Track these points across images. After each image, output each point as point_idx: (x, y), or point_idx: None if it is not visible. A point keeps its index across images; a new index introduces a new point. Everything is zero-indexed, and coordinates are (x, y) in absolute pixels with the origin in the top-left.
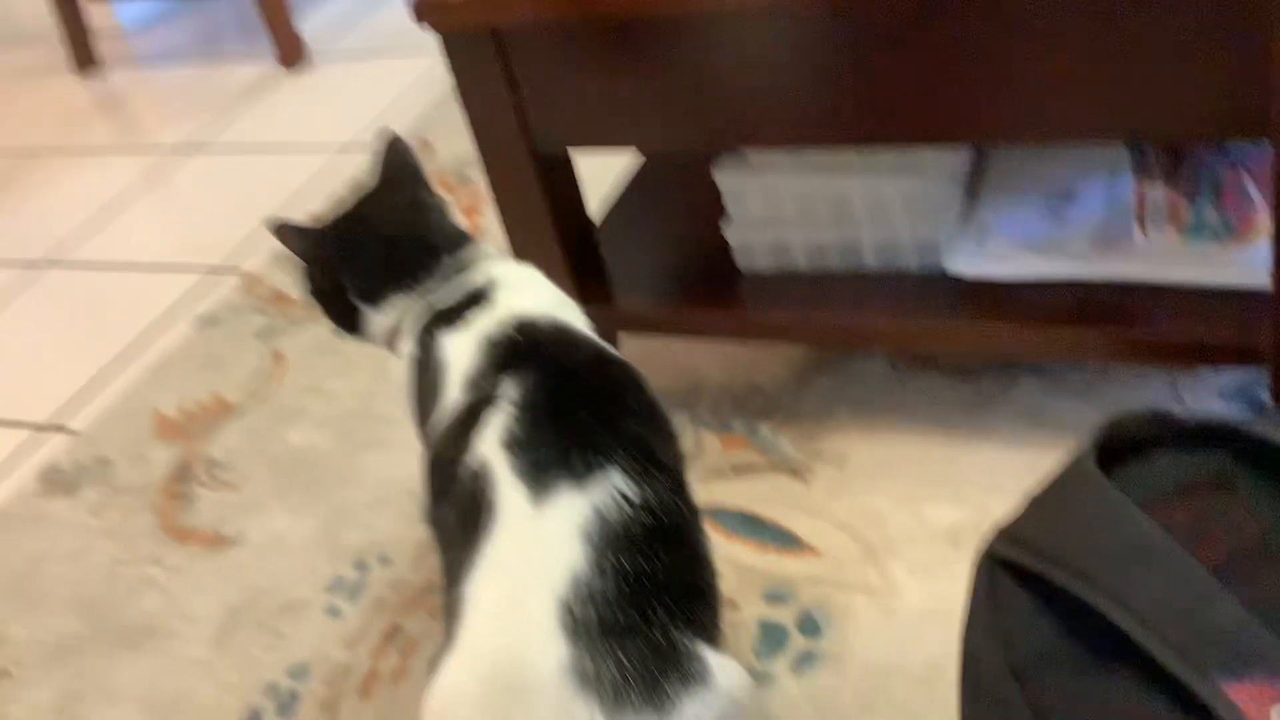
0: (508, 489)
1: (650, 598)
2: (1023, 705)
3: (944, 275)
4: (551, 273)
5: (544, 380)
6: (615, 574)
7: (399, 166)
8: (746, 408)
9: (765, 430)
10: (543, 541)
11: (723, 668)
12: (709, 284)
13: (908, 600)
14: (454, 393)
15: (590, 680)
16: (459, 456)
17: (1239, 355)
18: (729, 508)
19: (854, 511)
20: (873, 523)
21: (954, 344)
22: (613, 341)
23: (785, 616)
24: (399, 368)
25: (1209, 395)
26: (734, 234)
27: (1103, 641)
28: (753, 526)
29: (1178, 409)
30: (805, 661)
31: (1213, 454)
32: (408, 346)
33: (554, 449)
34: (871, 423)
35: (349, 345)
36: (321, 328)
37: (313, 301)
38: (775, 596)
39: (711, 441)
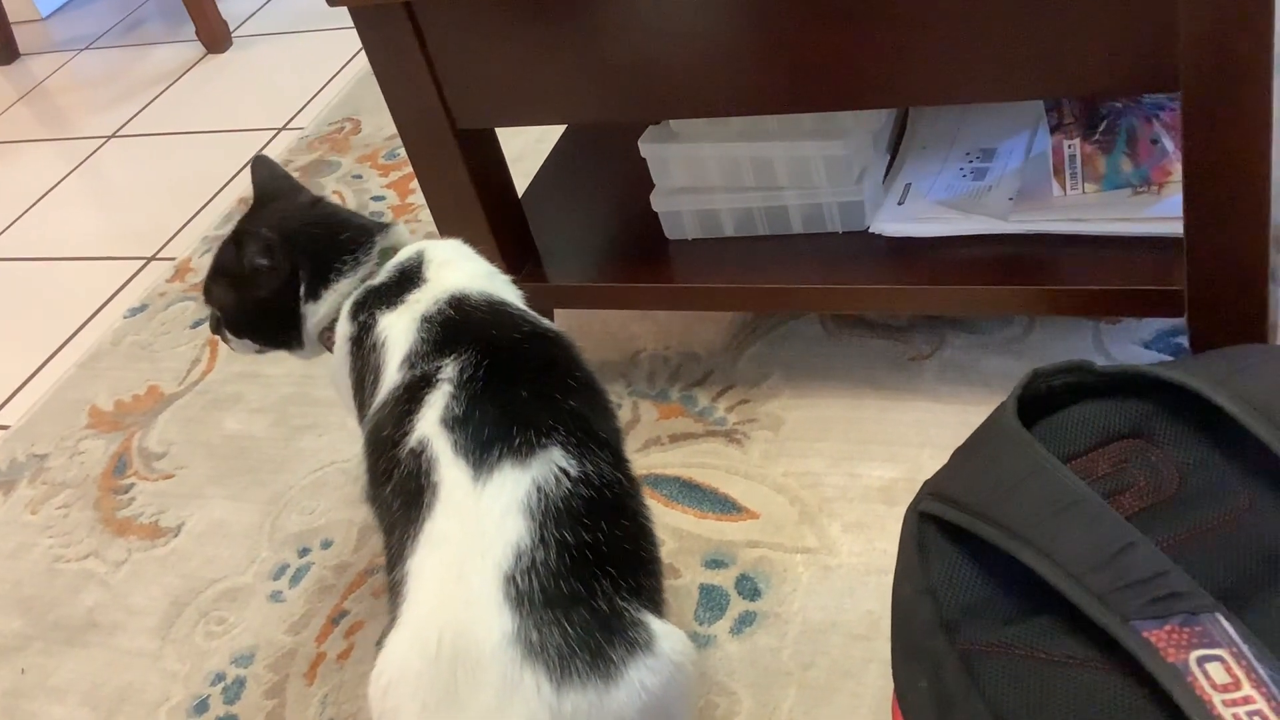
0: (449, 467)
1: (593, 568)
2: (952, 656)
3: (869, 236)
4: (480, 250)
5: (481, 358)
6: (557, 546)
7: (274, 180)
8: (682, 376)
9: (701, 397)
10: (484, 517)
11: (667, 635)
12: (638, 255)
13: (844, 559)
14: (392, 373)
15: (535, 650)
16: (399, 436)
17: (1158, 304)
18: (667, 475)
19: (790, 474)
20: (809, 484)
21: (881, 303)
22: (548, 316)
23: (725, 580)
24: (337, 350)
25: (1132, 345)
26: (660, 203)
27: (1028, 591)
28: (691, 493)
29: (1100, 360)
30: (745, 623)
31: (1133, 403)
32: (343, 328)
33: (494, 426)
34: (805, 385)
35: None
36: None
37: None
38: (715, 561)
39: (648, 410)
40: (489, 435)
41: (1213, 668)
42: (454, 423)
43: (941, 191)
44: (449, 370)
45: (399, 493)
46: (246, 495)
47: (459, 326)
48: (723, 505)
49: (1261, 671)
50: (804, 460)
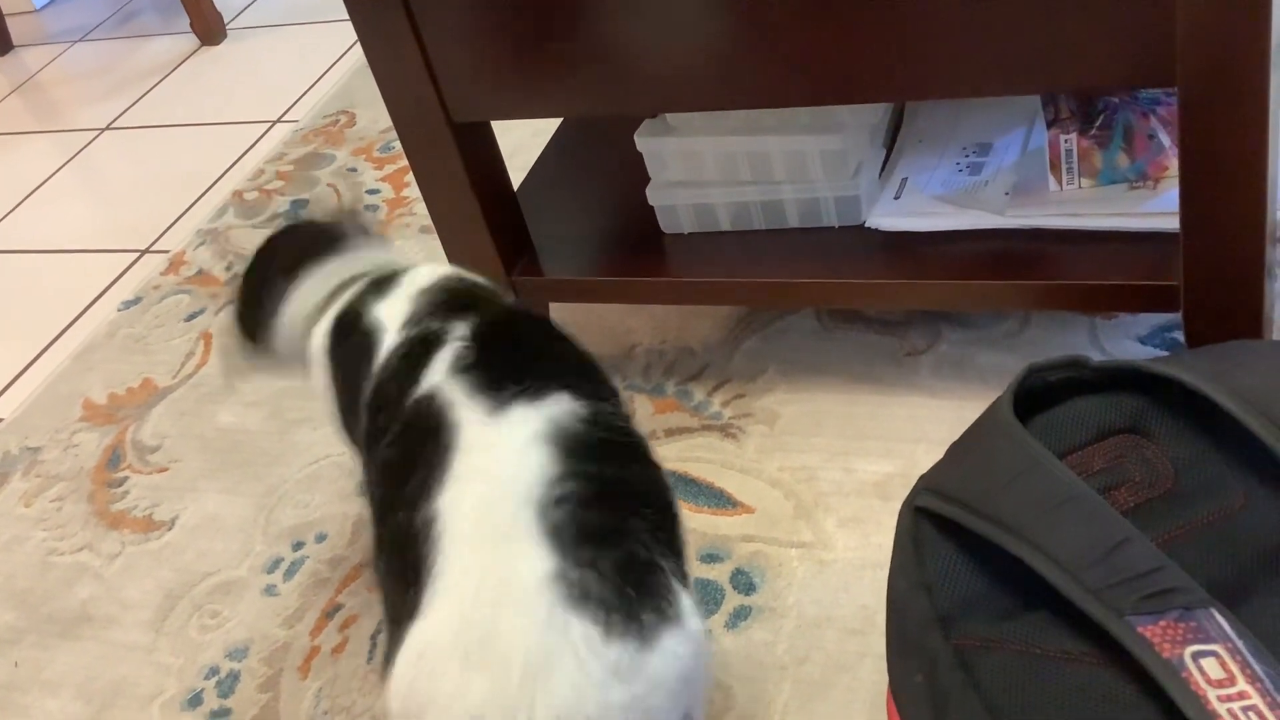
0: (464, 408)
1: (625, 510)
2: (947, 651)
3: (865, 230)
4: (476, 244)
5: (486, 320)
6: (585, 479)
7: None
8: (677, 370)
9: (697, 391)
10: (507, 449)
11: (694, 613)
12: (633, 249)
13: (839, 553)
14: (390, 339)
15: (577, 592)
16: (406, 387)
17: (1153, 299)
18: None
19: (785, 468)
20: (804, 479)
21: (876, 298)
22: (543, 310)
23: (720, 575)
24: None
25: (1127, 340)
26: (656, 197)
27: (1023, 587)
28: (686, 487)
29: (1096, 355)
30: (740, 617)
31: (1128, 398)
32: (319, 341)
33: (506, 371)
34: (800, 380)
35: None
36: None
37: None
38: (710, 555)
39: (643, 405)
40: (501, 377)
41: (1208, 663)
42: (466, 369)
43: (938, 186)
44: (459, 330)
45: (409, 446)
46: (241, 489)
47: (455, 298)
48: (718, 500)
49: (1256, 667)
50: (799, 455)
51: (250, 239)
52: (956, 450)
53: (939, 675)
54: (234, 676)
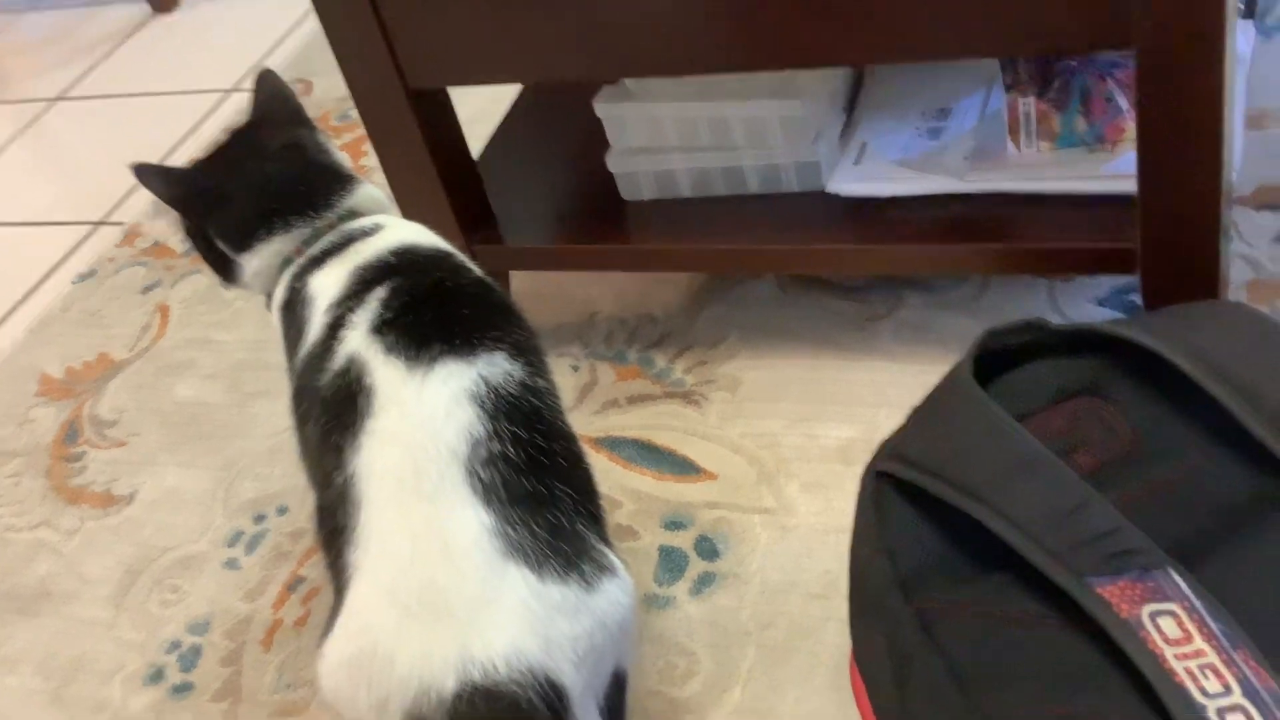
0: (383, 367)
1: (550, 477)
2: (909, 616)
3: (825, 196)
4: (435, 213)
5: (419, 280)
6: (514, 440)
7: (272, 103)
8: (640, 337)
9: (659, 359)
10: (430, 406)
11: (623, 570)
12: (594, 216)
13: (802, 519)
14: (318, 321)
15: (514, 544)
16: (323, 368)
17: (1111, 261)
18: (625, 437)
19: (748, 434)
20: (766, 444)
21: (837, 264)
22: (505, 279)
23: (684, 541)
24: (273, 319)
25: (1085, 303)
26: (616, 164)
27: (984, 550)
28: (650, 455)
29: (1055, 318)
30: (704, 583)
31: (1087, 360)
32: (278, 295)
33: (431, 328)
34: (763, 346)
35: (235, 295)
36: (205, 278)
37: (191, 249)
38: (674, 523)
39: (606, 372)
40: (426, 335)
41: (1165, 622)
42: (384, 326)
43: (897, 151)
44: (379, 292)
45: (328, 413)
46: (200, 462)
47: (396, 268)
48: (681, 467)
49: (1213, 626)
50: (762, 421)
51: None
52: (917, 415)
53: (901, 639)
54: (196, 651)
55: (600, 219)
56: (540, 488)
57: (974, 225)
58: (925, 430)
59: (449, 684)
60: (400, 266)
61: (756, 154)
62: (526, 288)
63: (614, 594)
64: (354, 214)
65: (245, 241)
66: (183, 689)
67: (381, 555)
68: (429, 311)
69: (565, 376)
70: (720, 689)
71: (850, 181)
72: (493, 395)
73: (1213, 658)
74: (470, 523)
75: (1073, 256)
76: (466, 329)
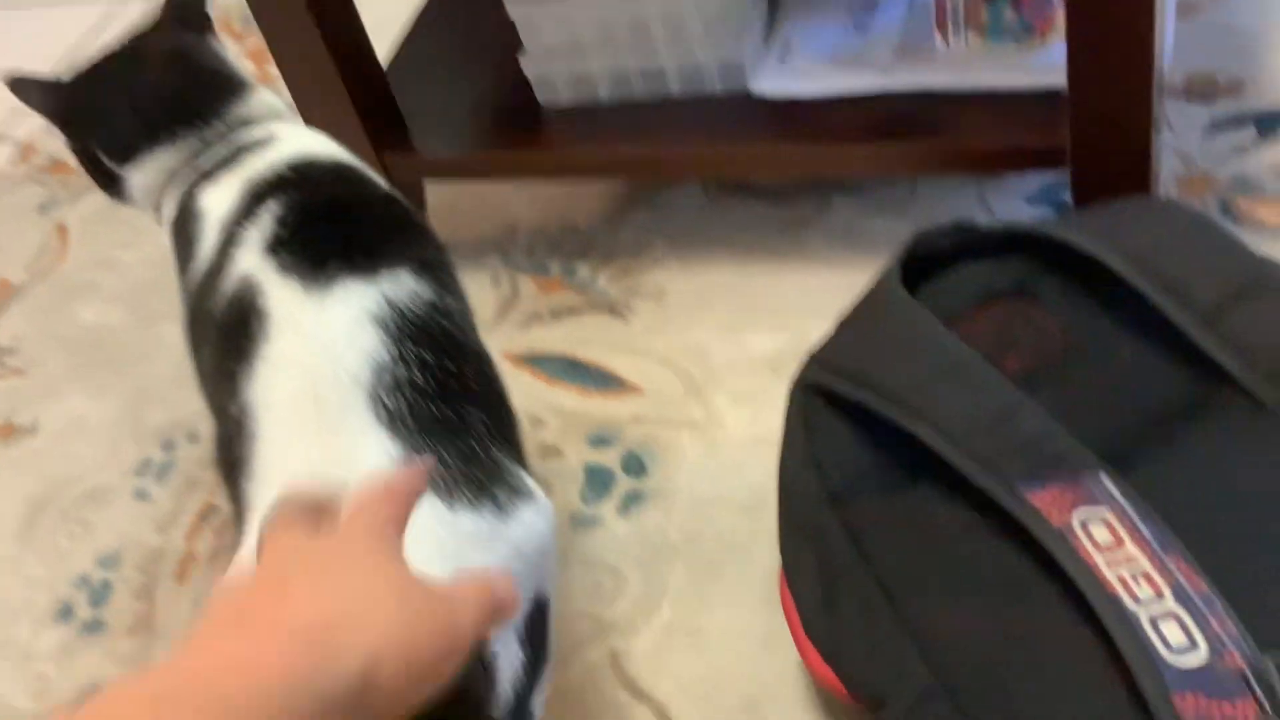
0: (277, 288)
1: (462, 402)
2: (838, 528)
3: (750, 96)
4: (341, 123)
5: (315, 196)
6: (420, 364)
7: (174, 7)
8: (562, 248)
9: (582, 270)
10: (329, 329)
11: (543, 495)
12: (511, 123)
13: (731, 431)
14: (210, 239)
15: None
16: (215, 293)
17: (1041, 158)
18: (549, 353)
19: (675, 346)
20: (694, 356)
21: (763, 166)
22: (419, 191)
23: (610, 459)
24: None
25: (1016, 201)
26: (531, 66)
27: (914, 459)
28: (574, 370)
29: (984, 218)
30: (631, 501)
31: (1016, 261)
32: (168, 211)
33: (329, 245)
34: (689, 254)
35: (138, 213)
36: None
37: (78, 163)
38: (599, 439)
39: (527, 286)
40: (323, 253)
41: (1096, 528)
42: (278, 245)
43: (823, 48)
44: (273, 207)
45: (221, 338)
46: (106, 389)
47: (291, 183)
48: (606, 381)
49: (1144, 529)
50: (689, 332)
51: None
52: (845, 322)
53: (830, 552)
54: (106, 586)
55: (517, 125)
56: (451, 413)
57: (903, 124)
58: (853, 338)
59: None
60: (296, 180)
61: (677, 53)
62: (443, 200)
63: (531, 521)
64: (247, 123)
65: (129, 156)
66: (94, 626)
67: (281, 485)
68: (326, 228)
69: (485, 291)
70: (649, 607)
71: (775, 80)
72: (398, 316)
73: (1145, 563)
74: (375, 454)
75: (1003, 154)
76: (367, 246)
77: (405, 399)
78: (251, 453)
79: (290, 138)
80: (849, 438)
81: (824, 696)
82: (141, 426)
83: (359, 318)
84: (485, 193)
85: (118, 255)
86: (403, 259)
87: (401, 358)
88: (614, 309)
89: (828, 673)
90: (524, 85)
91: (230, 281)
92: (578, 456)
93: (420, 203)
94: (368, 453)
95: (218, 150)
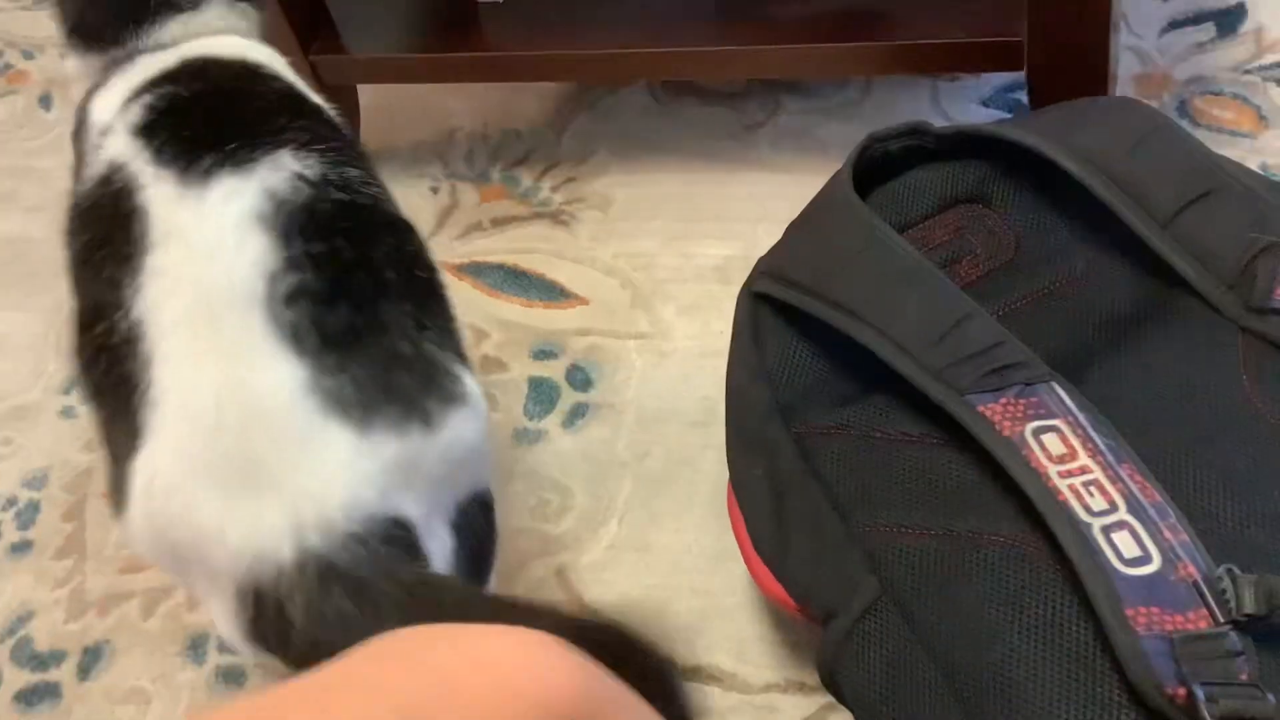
0: (153, 182)
1: (378, 297)
2: (787, 441)
3: None
4: (269, 23)
5: (191, 85)
6: (317, 266)
7: None
8: (503, 154)
9: (524, 177)
10: (214, 236)
11: (477, 390)
12: (447, 21)
13: (679, 343)
14: (93, 145)
15: (334, 398)
16: (89, 184)
17: (997, 57)
18: (490, 263)
19: (621, 255)
20: (640, 265)
21: (712, 68)
22: (352, 95)
23: (555, 372)
24: None
25: (970, 104)
26: None
27: (864, 370)
28: (516, 281)
29: (938, 121)
30: (577, 415)
31: (971, 165)
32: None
33: (201, 130)
34: (634, 160)
35: (57, 117)
36: (23, 98)
37: None
38: (544, 352)
39: (468, 193)
40: (195, 142)
41: (1048, 439)
42: (148, 130)
43: None
44: (147, 98)
45: (97, 236)
46: (28, 304)
47: (174, 77)
48: (550, 292)
49: (1097, 440)
50: (635, 240)
51: (27, 24)
52: (794, 230)
53: (779, 465)
54: (34, 506)
55: (454, 24)
56: (363, 314)
57: (854, 22)
58: (803, 246)
59: (285, 554)
60: (180, 75)
61: None
62: (378, 103)
63: (460, 427)
64: (181, 39)
65: (69, 48)
66: (22, 547)
67: (183, 421)
68: (197, 112)
69: (424, 199)
70: (596, 523)
71: None
72: (283, 210)
73: (1097, 474)
74: (280, 380)
75: (958, 52)
76: (239, 129)
77: (306, 309)
78: (148, 377)
79: (204, 43)
80: (800, 349)
81: (773, 610)
82: (66, 342)
83: (242, 219)
84: (422, 95)
85: (37, 163)
86: (279, 137)
87: (294, 260)
88: (557, 217)
89: (776, 587)
90: None
91: (100, 167)
92: (521, 369)
93: (353, 107)
94: (271, 380)
95: (127, 61)
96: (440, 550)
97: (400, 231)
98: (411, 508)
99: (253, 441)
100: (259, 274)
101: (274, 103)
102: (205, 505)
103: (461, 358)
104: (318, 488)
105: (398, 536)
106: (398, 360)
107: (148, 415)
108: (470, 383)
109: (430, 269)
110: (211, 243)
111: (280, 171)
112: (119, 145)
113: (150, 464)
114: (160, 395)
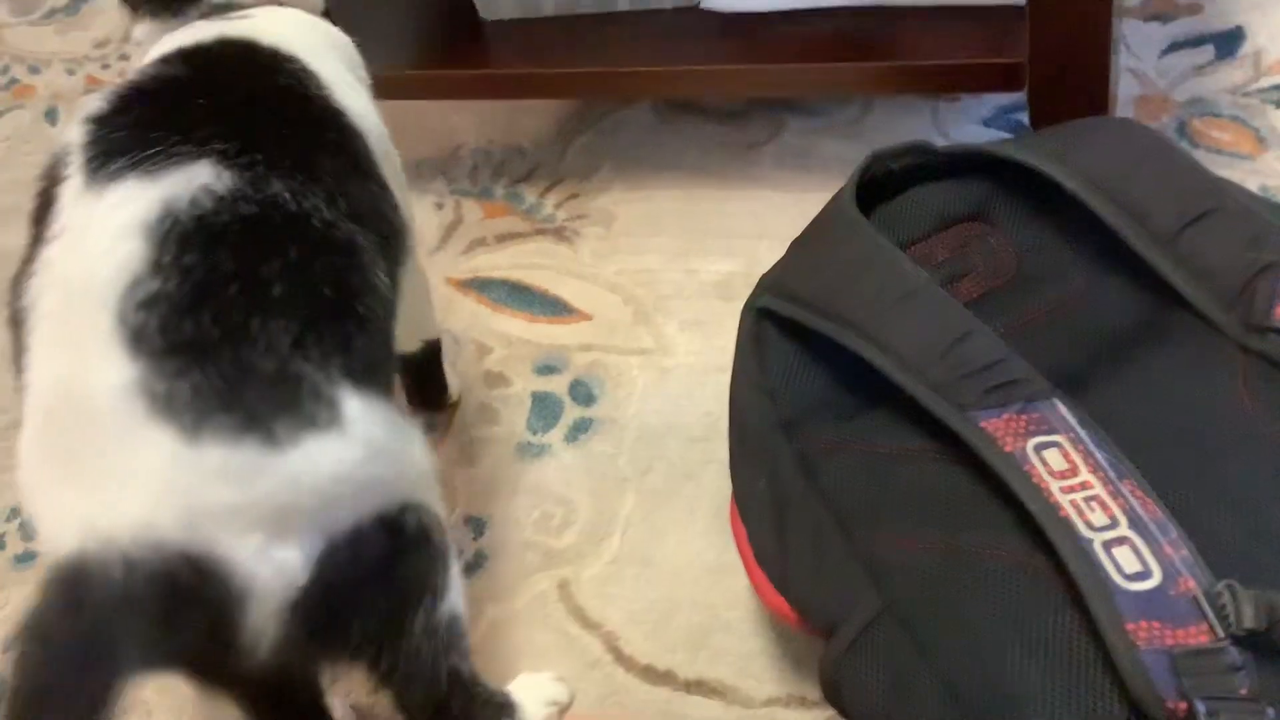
0: (73, 177)
1: (253, 311)
2: (790, 456)
3: (700, 12)
4: None
5: (160, 73)
6: (182, 275)
7: None
8: (507, 171)
9: (528, 193)
10: (94, 237)
11: (370, 418)
12: (452, 39)
13: (681, 358)
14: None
15: (162, 403)
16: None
17: (998, 78)
18: (494, 278)
19: (624, 271)
20: (643, 282)
21: (715, 86)
22: None
23: (558, 386)
24: None
25: (971, 125)
26: None
27: (867, 385)
28: (520, 296)
29: (940, 141)
30: (580, 430)
31: (972, 184)
32: None
33: (132, 130)
34: (637, 177)
35: (60, 131)
36: (29, 113)
37: None
38: (547, 367)
39: (472, 209)
40: (122, 142)
41: (1050, 454)
42: (95, 120)
43: None
44: (120, 87)
45: (31, 220)
46: None
47: (163, 64)
48: (554, 308)
49: (1098, 455)
50: (638, 257)
51: (33, 40)
52: (798, 246)
53: (781, 480)
54: None
55: (458, 42)
56: (225, 326)
57: (858, 42)
58: (806, 262)
59: (69, 548)
60: (193, 53)
61: None
62: (384, 119)
63: (319, 454)
64: (225, 8)
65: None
66: (26, 558)
67: (34, 404)
68: (150, 110)
69: (429, 215)
70: (599, 537)
71: None
72: (170, 221)
73: (1098, 489)
74: (108, 378)
75: (960, 73)
76: (177, 129)
77: (156, 315)
78: (24, 361)
79: (259, 21)
80: (801, 364)
81: (775, 624)
82: None
83: (127, 226)
84: (427, 112)
85: None
86: (208, 145)
87: (161, 267)
88: (561, 233)
89: (779, 601)
90: None
91: (48, 165)
92: (524, 384)
93: None
94: (101, 376)
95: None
96: (278, 583)
97: (338, 251)
98: (232, 544)
99: (76, 435)
100: (120, 277)
101: (244, 104)
102: (36, 494)
103: (358, 379)
104: (119, 492)
105: (187, 577)
106: (251, 374)
107: (23, 398)
108: (350, 408)
109: (354, 298)
110: (90, 244)
111: (187, 184)
112: (71, 131)
113: (19, 448)
114: (27, 382)
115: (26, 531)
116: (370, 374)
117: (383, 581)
